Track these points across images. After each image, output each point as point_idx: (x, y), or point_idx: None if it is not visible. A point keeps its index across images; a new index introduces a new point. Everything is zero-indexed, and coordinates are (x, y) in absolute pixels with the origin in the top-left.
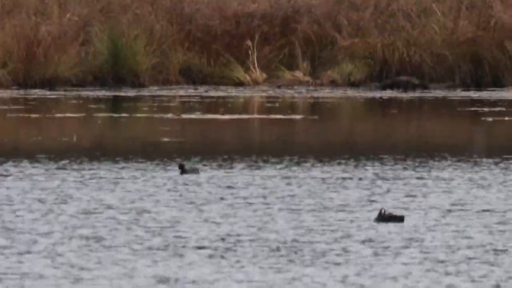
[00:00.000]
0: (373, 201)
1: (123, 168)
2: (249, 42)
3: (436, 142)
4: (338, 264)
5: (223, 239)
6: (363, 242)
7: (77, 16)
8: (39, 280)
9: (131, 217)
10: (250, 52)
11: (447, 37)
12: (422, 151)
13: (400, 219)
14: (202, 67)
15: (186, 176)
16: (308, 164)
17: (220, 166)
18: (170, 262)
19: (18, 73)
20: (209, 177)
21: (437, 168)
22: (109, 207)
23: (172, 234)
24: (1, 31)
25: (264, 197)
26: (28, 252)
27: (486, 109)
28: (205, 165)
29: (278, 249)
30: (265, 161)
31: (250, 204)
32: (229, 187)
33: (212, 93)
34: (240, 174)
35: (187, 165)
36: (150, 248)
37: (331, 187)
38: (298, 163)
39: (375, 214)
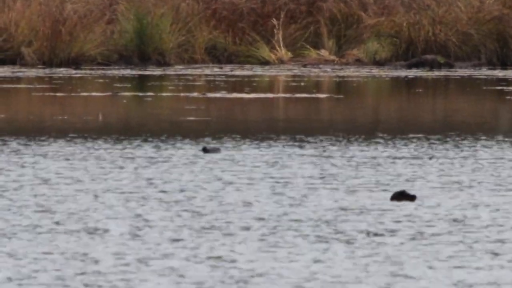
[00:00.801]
0: (402, 181)
1: (149, 147)
2: (274, 21)
3: (462, 121)
4: (379, 243)
5: (264, 219)
6: (397, 221)
7: None
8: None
9: (170, 197)
10: (275, 30)
11: (473, 15)
12: (447, 130)
13: (411, 197)
14: (227, 46)
15: (211, 155)
16: (334, 143)
17: (245, 145)
18: (219, 242)
19: (43, 51)
20: (230, 154)
21: (464, 147)
22: (145, 187)
23: (218, 215)
24: (27, 10)
25: (294, 176)
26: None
27: (511, 88)
28: (228, 144)
29: (318, 228)
30: (291, 140)
31: (283, 183)
32: (255, 166)
33: (238, 72)
34: (266, 154)
35: (209, 145)
36: (201, 229)
37: (359, 166)
38: (323, 142)
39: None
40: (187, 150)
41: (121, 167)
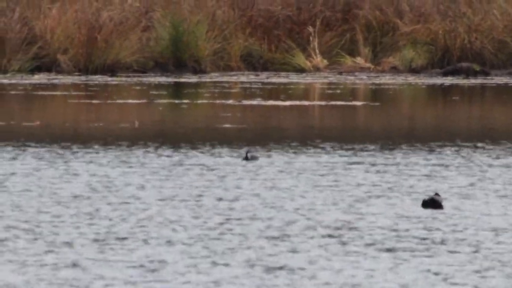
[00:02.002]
0: (435, 188)
1: (185, 154)
2: (310, 28)
3: (498, 129)
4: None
5: (298, 225)
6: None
7: (139, 1)
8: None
9: (209, 204)
10: (311, 38)
11: (509, 23)
12: (484, 138)
13: (439, 205)
14: (263, 53)
15: (250, 162)
16: (370, 151)
17: (282, 153)
18: (277, 248)
19: (79, 59)
20: (271, 162)
21: (500, 155)
22: (185, 194)
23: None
24: (63, 17)
25: (336, 183)
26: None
27: None
28: (268, 152)
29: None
30: (327, 148)
31: (325, 190)
32: (289, 172)
33: (273, 80)
34: (302, 161)
35: (249, 153)
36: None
37: (394, 173)
38: (360, 150)
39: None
40: (227, 158)
41: (168, 176)
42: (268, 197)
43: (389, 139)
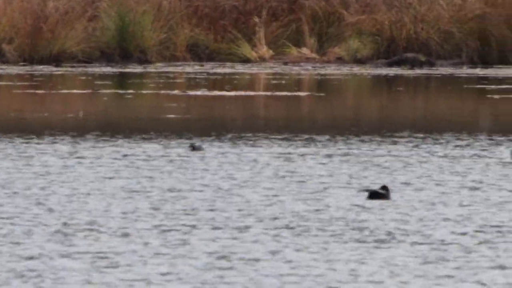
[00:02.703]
0: (380, 178)
1: (131, 144)
2: (256, 18)
3: (443, 119)
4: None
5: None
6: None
7: None
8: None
9: (162, 195)
10: (257, 28)
11: (455, 14)
12: (428, 128)
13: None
14: (209, 43)
15: (194, 153)
16: (314, 141)
17: (227, 143)
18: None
19: (24, 48)
20: (218, 152)
21: (444, 145)
22: (135, 185)
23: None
24: (8, 7)
25: (276, 174)
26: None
27: (492, 87)
28: (212, 142)
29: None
30: (272, 138)
31: (263, 181)
32: (235, 163)
33: (219, 70)
34: (247, 152)
35: (195, 143)
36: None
37: (337, 164)
38: (304, 140)
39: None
40: (173, 148)
41: (112, 165)
42: (222, 188)
43: (334, 129)
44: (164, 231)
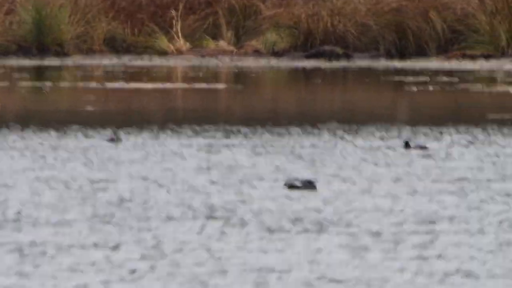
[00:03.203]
0: (304, 169)
1: (50, 137)
2: (173, 12)
3: (360, 112)
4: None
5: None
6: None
7: None
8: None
9: (88, 187)
10: (174, 21)
11: (372, 7)
12: (347, 120)
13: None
14: (126, 37)
15: (115, 144)
16: (231, 133)
17: (145, 135)
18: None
19: None
20: (136, 145)
21: (364, 137)
22: (61, 177)
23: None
24: None
25: (199, 166)
26: None
27: (410, 79)
28: (129, 133)
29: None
30: (189, 130)
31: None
32: (157, 155)
33: (136, 63)
34: (169, 143)
35: (116, 135)
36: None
37: (261, 156)
38: (221, 132)
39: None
40: (93, 140)
41: (33, 157)
42: (146, 179)
43: (254, 121)
44: (91, 221)
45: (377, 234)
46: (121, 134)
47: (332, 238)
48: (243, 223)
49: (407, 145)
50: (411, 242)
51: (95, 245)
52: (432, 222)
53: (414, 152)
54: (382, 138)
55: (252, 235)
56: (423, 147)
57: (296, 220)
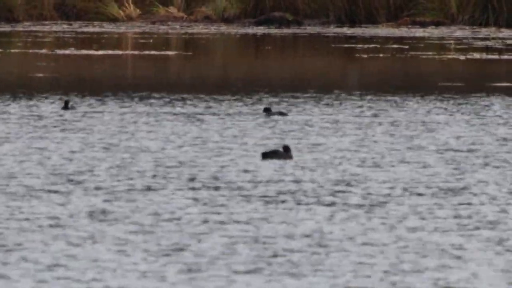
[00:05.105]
0: (268, 137)
1: (1, 103)
2: None
3: (310, 78)
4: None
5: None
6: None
7: None
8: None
9: (41, 156)
10: None
11: None
12: (296, 87)
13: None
14: (76, 2)
15: (70, 111)
16: (181, 100)
17: (94, 102)
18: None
19: None
20: (88, 111)
21: (316, 104)
22: (14, 146)
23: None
24: None
25: (151, 132)
26: None
27: (360, 46)
28: (83, 100)
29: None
30: (139, 97)
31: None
32: (109, 121)
33: (86, 29)
34: (113, 111)
35: (69, 102)
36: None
37: (205, 123)
38: (170, 99)
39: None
40: (44, 106)
41: None
42: (102, 145)
43: (200, 88)
44: (46, 190)
45: (348, 205)
46: (73, 101)
47: (301, 208)
48: (219, 191)
49: (267, 111)
50: (378, 213)
51: (39, 213)
52: (393, 195)
53: (369, 120)
54: (336, 106)
55: (229, 201)
56: (282, 113)
57: (270, 189)
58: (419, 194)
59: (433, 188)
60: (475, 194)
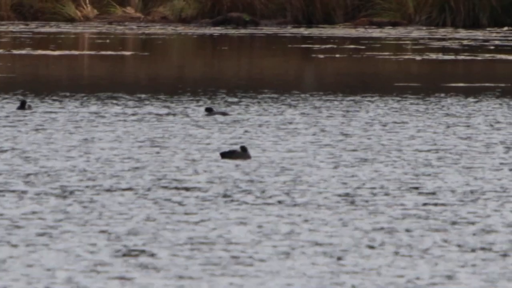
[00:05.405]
0: (210, 137)
1: None
2: None
3: (267, 79)
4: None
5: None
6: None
7: None
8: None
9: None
10: None
11: None
12: (252, 87)
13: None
14: (33, 3)
15: (26, 112)
16: (138, 100)
17: (51, 102)
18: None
19: None
20: (45, 111)
21: (269, 104)
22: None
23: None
24: None
25: (112, 131)
26: None
27: (317, 46)
28: (39, 101)
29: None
30: (96, 97)
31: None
32: (67, 122)
33: (43, 29)
34: (70, 111)
35: (26, 103)
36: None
37: (162, 123)
38: (127, 99)
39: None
40: (2, 106)
41: None
42: (63, 148)
43: (156, 88)
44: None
45: (310, 204)
46: (29, 101)
47: (249, 205)
48: (178, 191)
49: (209, 110)
50: (334, 210)
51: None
52: (354, 195)
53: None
54: (293, 106)
55: (187, 199)
56: (224, 113)
57: (229, 189)
58: (381, 194)
59: (395, 189)
60: (438, 194)
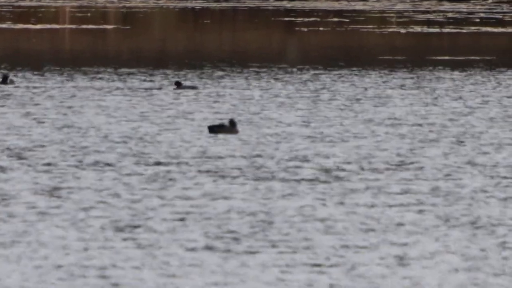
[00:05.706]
0: (199, 111)
1: None
2: None
3: (250, 52)
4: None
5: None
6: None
7: None
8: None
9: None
10: None
11: None
12: (237, 61)
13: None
14: None
15: (8, 86)
16: (120, 74)
17: (33, 76)
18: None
19: None
20: (28, 86)
21: (257, 77)
22: None
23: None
24: None
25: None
26: None
27: (300, 20)
28: (21, 75)
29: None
30: (78, 71)
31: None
32: (44, 96)
33: (24, 3)
34: (54, 85)
35: (8, 77)
36: None
37: (146, 97)
38: (109, 73)
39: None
40: None
41: None
42: (51, 122)
43: (138, 62)
44: None
45: (294, 179)
46: (11, 75)
47: (242, 182)
48: (166, 167)
49: (178, 84)
50: (320, 188)
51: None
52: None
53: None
54: (272, 81)
55: (177, 174)
56: (193, 87)
57: (218, 164)
58: (372, 169)
59: (386, 163)
60: (427, 168)
